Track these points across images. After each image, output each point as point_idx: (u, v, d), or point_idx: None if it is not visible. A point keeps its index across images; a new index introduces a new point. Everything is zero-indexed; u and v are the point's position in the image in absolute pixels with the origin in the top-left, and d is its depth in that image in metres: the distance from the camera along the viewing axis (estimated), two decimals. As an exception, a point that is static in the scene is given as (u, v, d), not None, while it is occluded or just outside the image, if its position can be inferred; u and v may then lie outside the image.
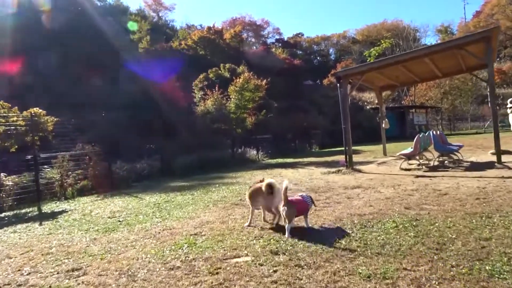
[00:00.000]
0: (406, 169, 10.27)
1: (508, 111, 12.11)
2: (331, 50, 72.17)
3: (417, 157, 10.67)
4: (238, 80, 19.75)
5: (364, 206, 5.91)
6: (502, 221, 4.38)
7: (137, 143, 17.51)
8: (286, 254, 3.85)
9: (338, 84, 11.74)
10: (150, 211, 7.10)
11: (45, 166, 11.43)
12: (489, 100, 12.22)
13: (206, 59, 36.85)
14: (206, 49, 39.03)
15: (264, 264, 3.63)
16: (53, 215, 7.68)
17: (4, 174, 10.24)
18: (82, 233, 5.71)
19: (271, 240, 4.39)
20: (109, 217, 6.82)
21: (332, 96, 32.49)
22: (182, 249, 4.38)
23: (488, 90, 12.55)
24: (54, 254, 4.67)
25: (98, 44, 27.69)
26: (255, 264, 3.65)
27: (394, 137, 24.19)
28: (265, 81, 20.56)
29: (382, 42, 46.53)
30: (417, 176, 8.83)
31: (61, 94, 22.19)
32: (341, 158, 13.11)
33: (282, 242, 4.27)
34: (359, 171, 10.67)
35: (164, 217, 6.36)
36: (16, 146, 10.49)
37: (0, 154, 10.96)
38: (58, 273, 3.93)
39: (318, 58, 68.06)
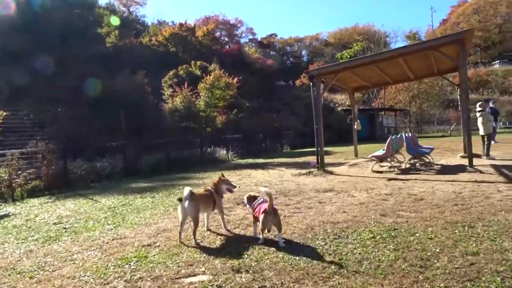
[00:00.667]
0: (378, 172, 10.01)
1: (477, 114, 12.12)
2: (303, 52, 72.61)
3: (389, 159, 10.45)
4: (208, 77, 19.07)
5: (337, 212, 5.47)
6: (486, 232, 4.02)
7: (101, 141, 16.45)
8: (250, 272, 3.31)
9: (311, 83, 11.33)
10: (102, 216, 6.37)
11: (-8, 164, 10.39)
12: (459, 103, 12.22)
13: (177, 56, 35.78)
14: (177, 46, 37.92)
15: (223, 285, 3.07)
16: (-8, 220, 6.79)
17: None
18: (18, 243, 4.94)
19: (234, 253, 3.84)
20: (54, 223, 6.04)
21: (304, 97, 32.38)
22: (129, 264, 3.75)
23: (459, 93, 12.55)
24: (-25, 270, 3.92)
25: (64, 36, 26.17)
26: (212, 285, 3.08)
27: (364, 138, 24.25)
28: (236, 79, 19.98)
29: (354, 45, 47.20)
30: (390, 179, 8.55)
31: (22, 88, 20.65)
32: (312, 159, 12.74)
33: (246, 256, 3.72)
34: (331, 173, 10.31)
35: (117, 224, 5.67)
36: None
37: None
38: (-29, 297, 3.22)
39: (291, 59, 68.22)
